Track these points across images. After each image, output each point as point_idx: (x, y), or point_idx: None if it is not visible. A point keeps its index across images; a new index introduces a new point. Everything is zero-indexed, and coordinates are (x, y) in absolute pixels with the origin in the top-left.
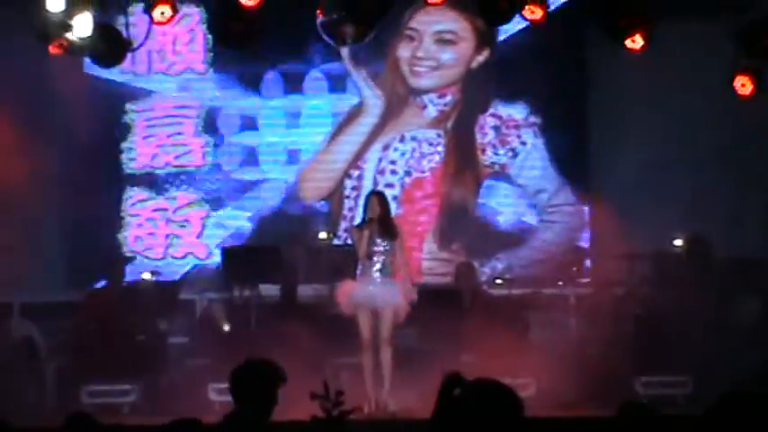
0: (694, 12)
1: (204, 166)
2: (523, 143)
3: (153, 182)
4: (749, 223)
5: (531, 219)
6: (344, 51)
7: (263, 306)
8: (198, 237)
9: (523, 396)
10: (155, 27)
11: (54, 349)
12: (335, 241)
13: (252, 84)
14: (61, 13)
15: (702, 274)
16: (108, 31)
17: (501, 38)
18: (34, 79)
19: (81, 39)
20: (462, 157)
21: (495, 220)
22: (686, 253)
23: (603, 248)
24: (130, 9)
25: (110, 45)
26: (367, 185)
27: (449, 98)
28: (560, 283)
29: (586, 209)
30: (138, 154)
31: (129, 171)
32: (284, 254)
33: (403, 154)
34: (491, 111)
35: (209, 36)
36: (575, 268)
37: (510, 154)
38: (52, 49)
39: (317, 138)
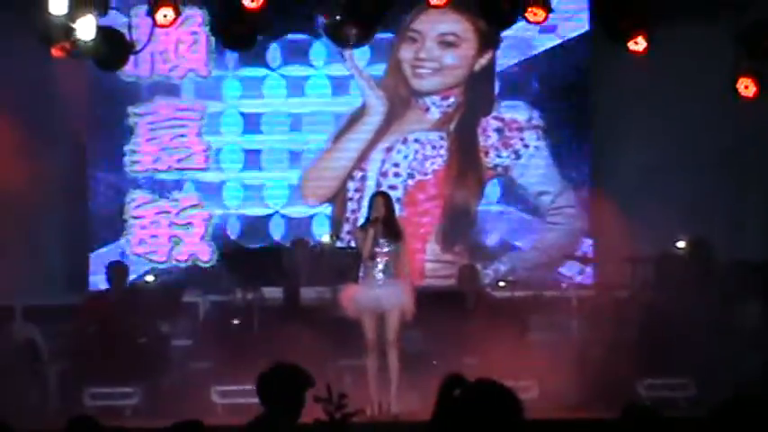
0: (695, 13)
1: (207, 169)
2: (526, 145)
3: (156, 184)
4: (751, 226)
5: (533, 221)
6: (347, 53)
7: (266, 308)
8: (201, 239)
9: (526, 398)
10: (157, 29)
11: (56, 352)
12: (338, 243)
13: (254, 85)
14: (64, 16)
15: (704, 276)
16: (111, 33)
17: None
18: (36, 82)
19: (84, 41)
20: (465, 159)
21: (497, 223)
22: (688, 255)
23: (606, 251)
24: (133, 11)
25: (113, 48)
26: (370, 187)
27: (451, 100)
28: (563, 285)
29: (589, 212)
30: (140, 156)
31: (131, 174)
32: (287, 256)
33: (406, 156)
34: (494, 113)
35: (212, 38)
36: (577, 271)
37: (513, 156)
38: (55, 52)
39: (320, 140)
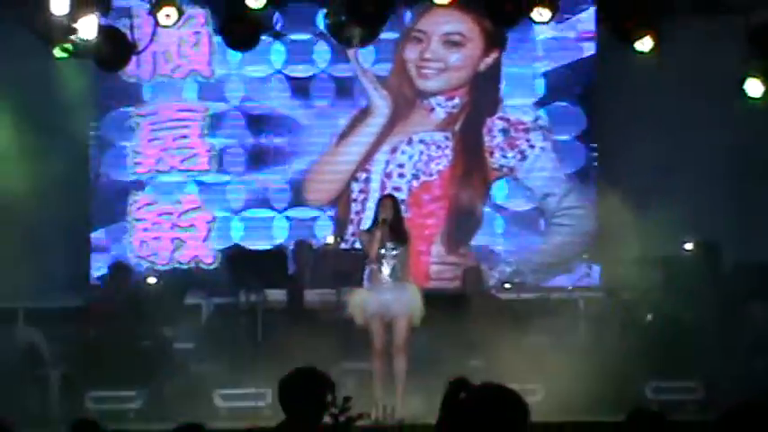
0: (701, 12)
1: (210, 170)
2: (532, 146)
3: (158, 186)
4: (759, 227)
5: (539, 222)
6: (351, 53)
7: (270, 311)
8: (204, 241)
9: (532, 401)
10: (159, 29)
11: (58, 355)
12: (342, 245)
13: (257, 86)
14: (65, 16)
15: (712, 279)
16: (113, 33)
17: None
18: (37, 82)
19: (85, 41)
20: (470, 159)
21: (503, 224)
22: (696, 258)
23: (612, 253)
24: (135, 11)
25: (114, 48)
26: (374, 188)
27: (457, 101)
28: (569, 287)
29: (595, 213)
30: (142, 158)
31: (134, 175)
32: (290, 258)
33: (411, 157)
34: (499, 113)
35: (215, 38)
36: (583, 272)
37: (518, 157)
38: (57, 52)
39: (324, 141)
